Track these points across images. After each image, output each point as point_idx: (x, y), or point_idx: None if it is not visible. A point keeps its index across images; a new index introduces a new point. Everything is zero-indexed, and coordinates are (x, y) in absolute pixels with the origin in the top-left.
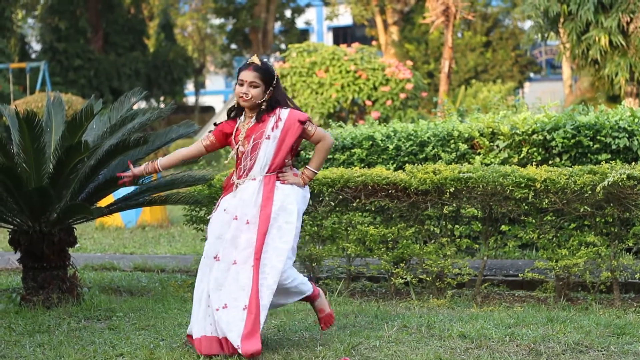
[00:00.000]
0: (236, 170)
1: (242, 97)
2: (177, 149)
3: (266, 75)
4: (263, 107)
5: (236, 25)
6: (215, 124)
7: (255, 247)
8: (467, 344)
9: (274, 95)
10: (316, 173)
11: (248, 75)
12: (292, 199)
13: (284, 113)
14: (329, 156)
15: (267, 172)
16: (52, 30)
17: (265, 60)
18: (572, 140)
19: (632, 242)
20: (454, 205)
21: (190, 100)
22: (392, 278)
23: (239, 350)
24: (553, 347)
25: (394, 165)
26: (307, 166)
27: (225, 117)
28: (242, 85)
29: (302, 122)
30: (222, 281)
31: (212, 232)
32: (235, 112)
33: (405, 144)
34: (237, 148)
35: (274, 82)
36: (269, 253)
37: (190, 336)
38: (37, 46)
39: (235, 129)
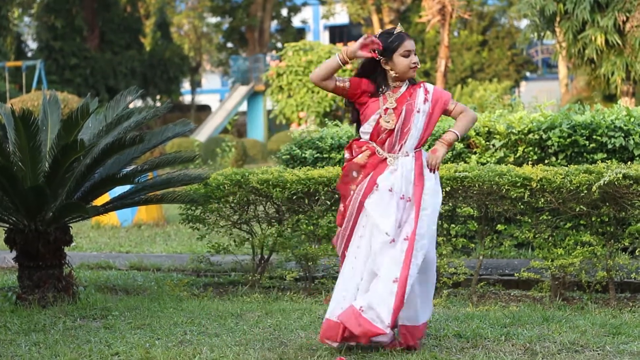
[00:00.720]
0: (380, 145)
1: (415, 67)
2: (173, 147)
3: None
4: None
5: (232, 24)
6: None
7: (413, 225)
8: (462, 344)
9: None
10: (458, 137)
11: (412, 44)
12: (437, 179)
13: (429, 87)
14: (325, 155)
15: (416, 147)
16: (48, 28)
17: None
18: (568, 140)
19: (628, 242)
20: (450, 204)
21: (187, 98)
22: None
23: (386, 330)
24: (549, 347)
25: None
26: (449, 129)
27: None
28: (407, 56)
29: (447, 100)
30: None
31: (389, 215)
32: (375, 77)
33: None
34: (383, 119)
35: None
36: (423, 229)
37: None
38: (33, 45)
39: (379, 96)
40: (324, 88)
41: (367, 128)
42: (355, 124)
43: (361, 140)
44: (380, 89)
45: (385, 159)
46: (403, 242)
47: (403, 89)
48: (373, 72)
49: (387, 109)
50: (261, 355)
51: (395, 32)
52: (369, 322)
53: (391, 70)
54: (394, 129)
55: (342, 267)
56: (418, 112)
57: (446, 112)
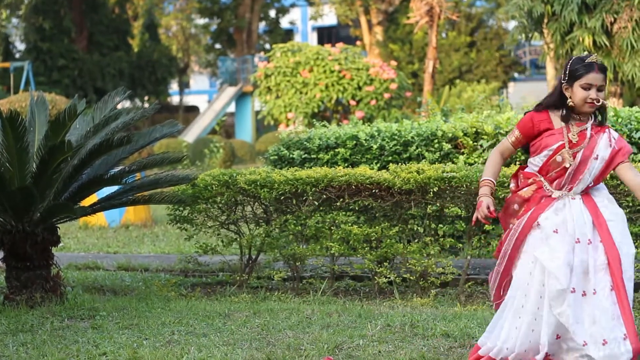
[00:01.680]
0: (549, 182)
1: (591, 103)
2: (161, 148)
3: (607, 75)
4: (598, 115)
5: (220, 25)
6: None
7: (613, 270)
8: (450, 343)
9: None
10: None
11: (598, 78)
12: (614, 205)
13: (613, 133)
14: (312, 156)
15: (584, 191)
16: (36, 30)
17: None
18: None
19: None
20: (438, 204)
21: (175, 99)
22: (375, 277)
23: None
24: None
25: (378, 165)
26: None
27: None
28: (589, 89)
29: (628, 150)
30: (579, 314)
31: (555, 257)
32: (565, 113)
33: (389, 143)
34: (561, 154)
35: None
36: (625, 265)
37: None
38: (21, 46)
39: (564, 130)
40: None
41: (537, 161)
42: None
43: (528, 171)
44: (564, 116)
45: (551, 195)
46: (610, 292)
47: (588, 125)
48: (560, 100)
49: (570, 141)
50: (249, 355)
51: (587, 60)
52: None
53: (570, 98)
54: (568, 168)
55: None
56: (596, 158)
57: (616, 166)
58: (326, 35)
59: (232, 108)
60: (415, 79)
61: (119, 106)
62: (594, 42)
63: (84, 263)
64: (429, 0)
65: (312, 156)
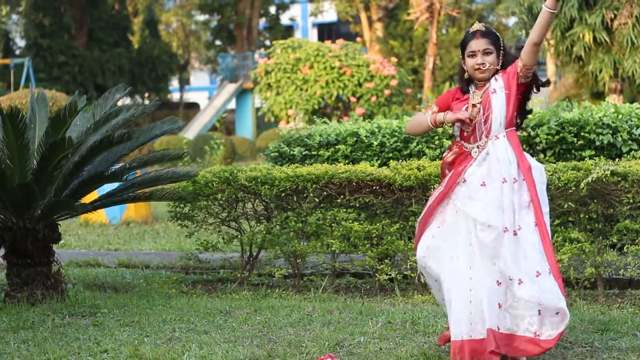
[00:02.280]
0: (467, 141)
1: (478, 68)
2: (161, 145)
3: (495, 38)
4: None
5: (221, 22)
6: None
7: (534, 205)
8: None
9: (505, 60)
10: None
11: (480, 44)
12: (533, 160)
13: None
14: (313, 152)
15: (506, 128)
16: (36, 26)
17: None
18: (556, 137)
19: (616, 238)
20: None
21: (175, 96)
22: (376, 274)
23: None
24: None
25: (378, 162)
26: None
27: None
28: (474, 56)
29: (514, 64)
30: (515, 253)
31: (487, 205)
32: (464, 85)
33: (389, 140)
34: (472, 111)
35: (502, 43)
36: (544, 210)
37: (455, 340)
38: (21, 42)
39: (465, 99)
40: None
41: (455, 130)
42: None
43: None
44: (467, 89)
45: (472, 151)
46: (534, 228)
47: (488, 84)
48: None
49: (474, 105)
50: (250, 352)
51: (470, 29)
52: (550, 341)
53: (466, 70)
54: (476, 125)
55: (446, 280)
56: (494, 92)
57: (523, 70)
58: (326, 31)
59: (232, 105)
60: (415, 76)
61: (120, 103)
62: (594, 38)
63: (84, 260)
64: None
65: (313, 153)
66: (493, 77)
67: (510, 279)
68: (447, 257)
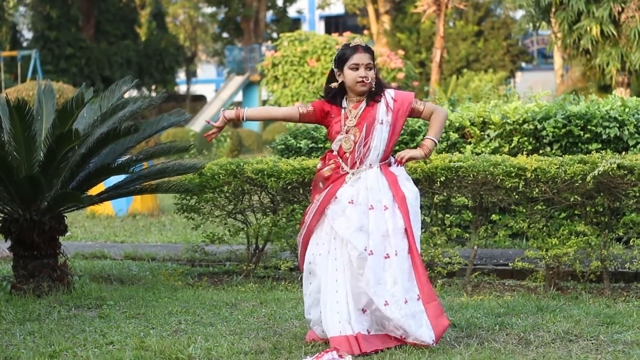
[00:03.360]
0: (344, 160)
1: (362, 81)
2: (168, 137)
3: (373, 54)
4: (373, 89)
5: (228, 14)
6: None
7: (408, 234)
8: (457, 333)
9: (377, 75)
10: (436, 143)
11: (364, 58)
12: (411, 184)
13: (390, 94)
14: (320, 145)
15: (381, 160)
16: (44, 18)
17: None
18: (563, 130)
19: (622, 232)
20: (445, 194)
21: (182, 88)
22: None
23: (432, 343)
24: (543, 336)
25: None
26: (426, 136)
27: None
28: (357, 69)
29: (411, 102)
30: (381, 276)
31: (349, 226)
32: (335, 95)
33: None
34: (344, 141)
35: (375, 62)
36: (417, 237)
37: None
38: (28, 34)
39: (340, 115)
40: (291, 121)
41: (334, 146)
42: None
43: (331, 153)
44: (342, 106)
45: (347, 173)
46: (405, 257)
47: (363, 105)
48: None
49: (348, 130)
50: (255, 344)
51: (351, 44)
52: (414, 343)
53: (343, 82)
54: (354, 147)
55: (322, 281)
56: (381, 123)
57: (414, 114)
58: (333, 24)
59: (239, 97)
60: (422, 69)
61: (126, 95)
62: (602, 31)
63: (91, 252)
64: None
65: (319, 145)
66: (383, 103)
67: (373, 301)
68: (324, 266)
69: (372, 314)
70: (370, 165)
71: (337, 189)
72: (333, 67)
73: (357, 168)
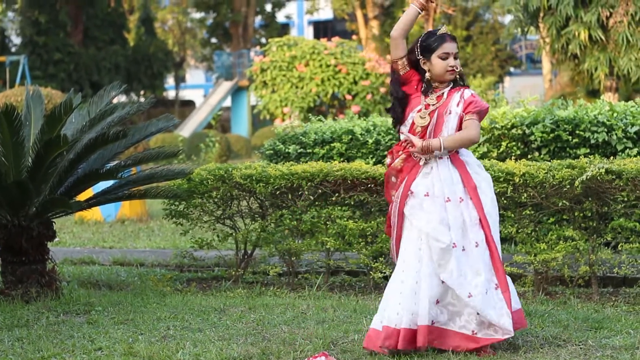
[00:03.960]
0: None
1: (452, 70)
2: (157, 142)
3: (457, 44)
4: (459, 81)
5: (216, 19)
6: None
7: (484, 225)
8: None
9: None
10: (441, 148)
11: (452, 47)
12: (483, 170)
13: (467, 91)
14: (308, 150)
15: (449, 150)
16: (32, 23)
17: None
18: (551, 135)
19: (611, 237)
20: None
21: (171, 94)
22: (371, 272)
23: (511, 334)
24: (531, 341)
25: (374, 160)
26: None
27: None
28: (446, 58)
29: (481, 109)
30: (463, 268)
31: (430, 219)
32: (425, 87)
33: (384, 138)
34: (419, 115)
35: None
36: (493, 227)
37: (390, 327)
38: (16, 40)
39: (422, 103)
40: (395, 49)
41: (405, 129)
42: (394, 123)
43: (399, 143)
44: (424, 89)
45: (419, 162)
46: (484, 248)
47: (445, 90)
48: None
49: (427, 105)
50: (244, 349)
51: (438, 33)
52: (489, 339)
53: (429, 71)
54: (427, 130)
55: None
56: (449, 113)
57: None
58: (322, 29)
59: (228, 102)
60: None
61: (115, 100)
62: (590, 36)
63: (79, 258)
64: None
65: (308, 151)
66: (458, 94)
67: (448, 293)
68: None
69: (445, 307)
70: (441, 156)
71: (411, 182)
72: (417, 55)
73: (429, 155)
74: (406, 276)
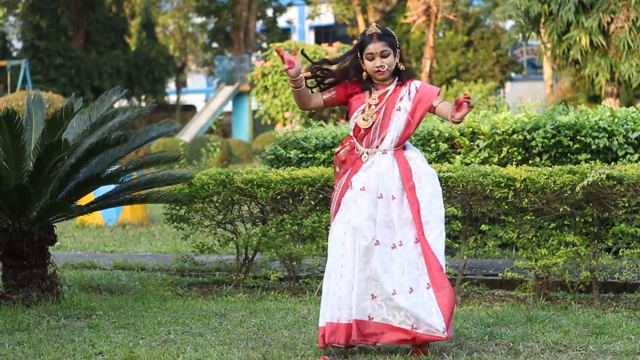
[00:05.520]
0: (359, 142)
1: (378, 71)
2: (158, 147)
3: (392, 39)
4: (401, 70)
5: (218, 24)
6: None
7: (416, 224)
8: (446, 343)
9: (402, 57)
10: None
11: (377, 47)
12: (426, 165)
13: (416, 84)
14: (309, 155)
15: (395, 146)
16: (33, 28)
17: (379, 24)
18: (552, 140)
19: (612, 242)
20: None
21: (172, 98)
22: None
23: (443, 335)
24: (532, 347)
25: None
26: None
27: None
28: (372, 59)
29: (433, 96)
30: (388, 265)
31: (360, 213)
32: (364, 84)
33: None
34: (361, 117)
35: (397, 42)
36: (430, 224)
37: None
38: (18, 44)
39: (364, 94)
40: (317, 109)
41: (350, 124)
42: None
43: (347, 135)
44: (367, 87)
45: (361, 156)
46: (414, 245)
47: (391, 87)
48: (359, 70)
49: (369, 105)
50: (245, 354)
51: (367, 33)
52: (427, 335)
53: (365, 70)
54: (371, 126)
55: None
56: (399, 110)
57: (431, 110)
58: (323, 34)
59: (229, 107)
60: None
61: (116, 105)
62: (591, 41)
63: (80, 262)
64: (426, 0)
65: (309, 155)
66: (405, 89)
67: (382, 289)
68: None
69: (384, 301)
70: (385, 151)
71: (353, 174)
72: (358, 56)
73: (372, 150)
74: (345, 271)
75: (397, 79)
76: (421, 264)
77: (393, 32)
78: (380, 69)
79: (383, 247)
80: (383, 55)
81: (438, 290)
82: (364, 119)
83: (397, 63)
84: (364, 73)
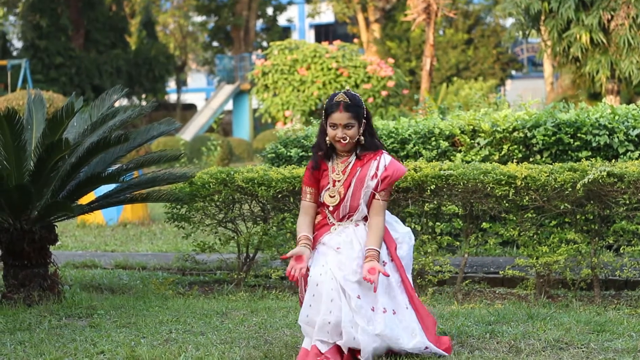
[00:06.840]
0: (331, 212)
1: (339, 142)
2: (158, 146)
3: (358, 111)
4: (361, 143)
5: (218, 23)
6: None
7: (405, 285)
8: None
9: (367, 128)
10: (379, 253)
11: (342, 117)
12: (401, 225)
13: (385, 160)
14: (310, 153)
15: (365, 219)
16: (34, 27)
17: (350, 91)
18: (553, 138)
19: (612, 239)
20: (435, 202)
21: (172, 97)
22: None
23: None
24: (533, 344)
25: None
26: (370, 247)
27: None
28: (335, 128)
29: (398, 177)
30: (393, 327)
31: (340, 261)
32: (324, 153)
33: (386, 141)
34: (328, 195)
35: (365, 113)
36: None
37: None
38: (18, 44)
39: (329, 168)
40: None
41: (321, 198)
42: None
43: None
44: (329, 155)
45: (333, 225)
46: (410, 311)
47: (352, 158)
48: (325, 135)
49: (334, 181)
50: (246, 353)
51: (335, 99)
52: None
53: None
54: (339, 203)
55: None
56: (367, 188)
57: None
58: (323, 32)
59: (229, 106)
60: (412, 77)
61: (117, 104)
62: (591, 39)
63: (81, 261)
64: None
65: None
66: (375, 164)
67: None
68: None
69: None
70: (357, 223)
71: (321, 236)
72: (322, 117)
73: (344, 222)
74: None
75: (355, 153)
76: (419, 327)
77: (362, 102)
78: (341, 140)
79: (389, 314)
80: (346, 127)
81: (435, 342)
82: (330, 196)
83: (359, 137)
84: (327, 138)
